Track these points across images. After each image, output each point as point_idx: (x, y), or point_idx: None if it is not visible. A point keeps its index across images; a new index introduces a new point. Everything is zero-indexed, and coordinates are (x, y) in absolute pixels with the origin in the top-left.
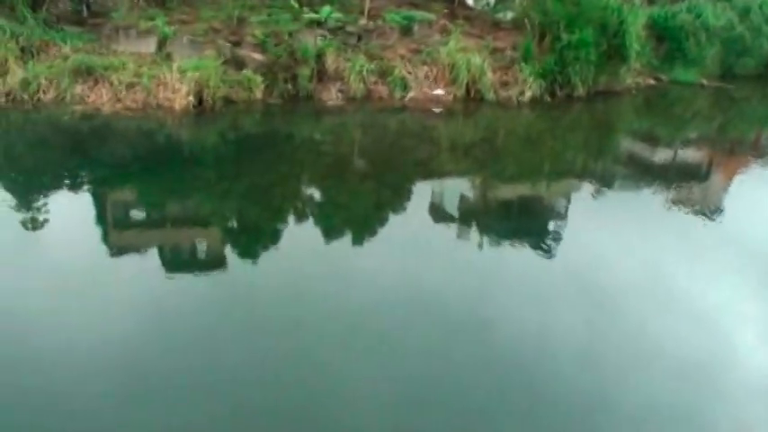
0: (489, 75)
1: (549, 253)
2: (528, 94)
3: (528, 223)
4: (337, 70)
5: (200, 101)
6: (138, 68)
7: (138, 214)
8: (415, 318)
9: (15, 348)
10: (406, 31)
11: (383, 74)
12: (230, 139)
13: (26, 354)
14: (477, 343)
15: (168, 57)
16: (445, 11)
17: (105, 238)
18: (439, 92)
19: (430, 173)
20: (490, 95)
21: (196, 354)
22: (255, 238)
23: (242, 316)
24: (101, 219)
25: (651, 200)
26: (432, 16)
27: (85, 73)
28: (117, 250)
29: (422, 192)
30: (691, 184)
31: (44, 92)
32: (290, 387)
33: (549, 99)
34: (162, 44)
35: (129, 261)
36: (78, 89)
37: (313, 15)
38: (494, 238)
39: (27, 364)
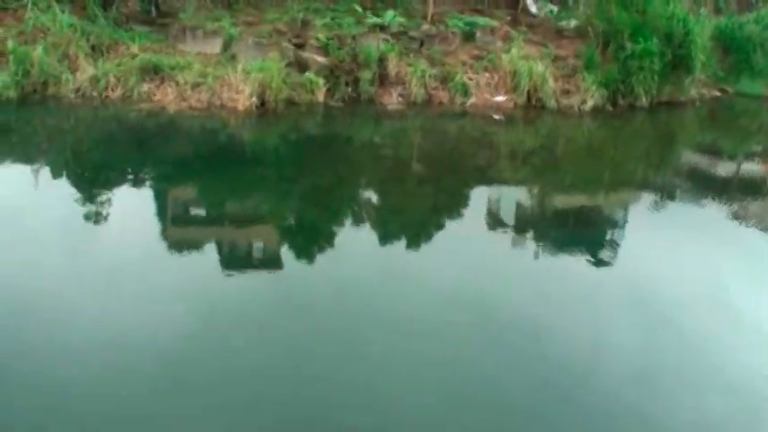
0: (551, 83)
1: (606, 265)
2: (590, 103)
3: (585, 234)
4: (399, 75)
5: (262, 102)
6: (203, 68)
7: (197, 211)
8: (466, 326)
9: (71, 339)
10: (468, 37)
11: (444, 79)
12: (291, 141)
13: (81, 346)
14: (527, 355)
15: (233, 58)
16: (508, 18)
17: (164, 233)
18: (500, 99)
19: (488, 179)
20: (551, 103)
21: (246, 351)
22: (312, 240)
23: (295, 316)
24: (161, 214)
25: (713, 213)
26: (494, 23)
27: (152, 72)
28: (175, 246)
29: (479, 198)
30: (754, 199)
31: (112, 89)
32: (339, 388)
33: (610, 109)
34: (227, 45)
35: (187, 257)
36: (145, 87)
37: (376, 19)
38: (550, 248)
39: (80, 356)
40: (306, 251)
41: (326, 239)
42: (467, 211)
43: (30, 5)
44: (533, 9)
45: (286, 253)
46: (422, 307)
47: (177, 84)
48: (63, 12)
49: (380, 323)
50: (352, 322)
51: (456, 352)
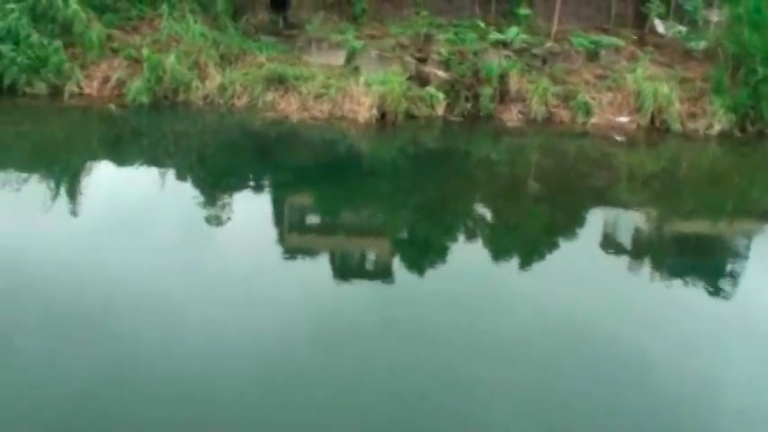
0: (677, 105)
1: (725, 297)
2: (716, 127)
3: (705, 263)
4: (519, 91)
5: (382, 114)
6: (326, 80)
7: (313, 220)
8: (571, 354)
9: (184, 338)
10: (592, 55)
11: (566, 98)
12: (408, 154)
13: (191, 348)
14: (636, 391)
15: (356, 70)
16: (634, 37)
17: (281, 239)
18: (622, 119)
19: (605, 201)
20: (676, 126)
21: (349, 360)
22: (424, 253)
23: (401, 328)
24: (278, 221)
25: None
26: (620, 42)
27: (277, 81)
28: (291, 252)
29: (595, 220)
30: None
31: (238, 97)
32: (433, 408)
33: (738, 134)
34: (351, 57)
35: (301, 264)
36: (270, 96)
37: (499, 36)
38: (666, 275)
39: (189, 358)
40: (417, 264)
41: (438, 254)
42: (582, 233)
43: (165, 15)
44: (661, 29)
45: (397, 265)
46: (528, 330)
47: (300, 94)
48: (196, 22)
49: (484, 343)
50: (455, 340)
51: (558, 383)
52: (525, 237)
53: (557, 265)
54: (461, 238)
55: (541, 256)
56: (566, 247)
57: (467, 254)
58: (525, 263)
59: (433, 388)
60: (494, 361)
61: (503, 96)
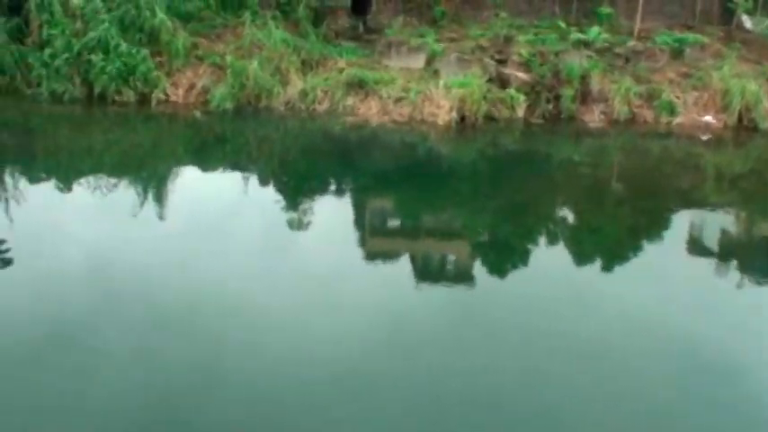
0: (765, 103)
1: None
2: None
3: None
4: (602, 92)
5: (462, 117)
6: (406, 83)
7: (394, 223)
8: (656, 361)
9: (266, 342)
10: (676, 53)
11: (650, 97)
12: (489, 156)
13: (272, 351)
14: (723, 400)
15: (435, 73)
16: (720, 34)
17: (362, 242)
18: (708, 118)
19: (691, 203)
20: (765, 125)
21: (429, 363)
22: (505, 256)
23: (482, 331)
24: (359, 224)
25: None
26: (705, 39)
27: (357, 86)
28: (372, 255)
29: (680, 222)
30: None
31: (319, 102)
32: (522, 404)
33: None
34: (430, 60)
35: (382, 267)
36: (350, 101)
37: (580, 36)
38: (756, 279)
39: (271, 361)
40: (498, 267)
41: (519, 257)
42: (667, 236)
43: (248, 23)
44: (748, 24)
45: (478, 268)
46: (611, 335)
47: (381, 98)
48: (277, 28)
49: (566, 348)
50: (537, 344)
51: (643, 389)
52: (608, 239)
53: (641, 269)
54: (543, 240)
55: (625, 259)
56: (650, 250)
57: (548, 257)
58: (608, 266)
59: (514, 392)
60: (576, 365)
61: (584, 97)
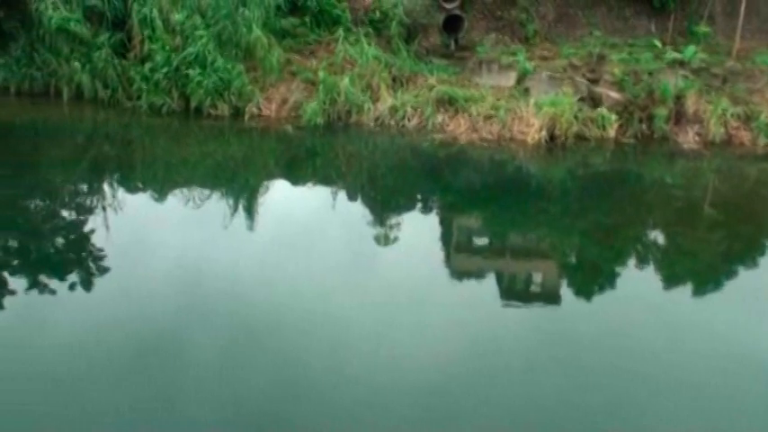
0: None
1: None
2: None
3: None
4: (697, 112)
5: (552, 136)
6: (495, 101)
7: (480, 241)
8: (751, 388)
9: (351, 356)
10: None
11: (747, 119)
12: (578, 176)
13: (358, 364)
14: None
15: (526, 91)
16: None
17: (447, 260)
18: None
19: None
20: None
21: (513, 385)
22: (592, 278)
23: (567, 354)
24: (446, 241)
25: None
26: None
27: (447, 103)
28: (457, 273)
29: None
30: None
31: (408, 119)
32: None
33: None
34: (521, 79)
35: (467, 285)
36: (439, 118)
37: (676, 55)
38: None
39: (352, 378)
40: (585, 290)
41: (607, 279)
42: (763, 263)
43: (341, 39)
44: None
45: (565, 290)
46: (702, 366)
47: (470, 115)
48: (370, 45)
49: (652, 376)
50: (622, 369)
51: (735, 424)
52: (700, 264)
53: (735, 297)
54: (632, 263)
55: (718, 286)
56: (745, 278)
57: (637, 280)
58: (700, 292)
59: (596, 420)
60: (663, 396)
61: (678, 118)
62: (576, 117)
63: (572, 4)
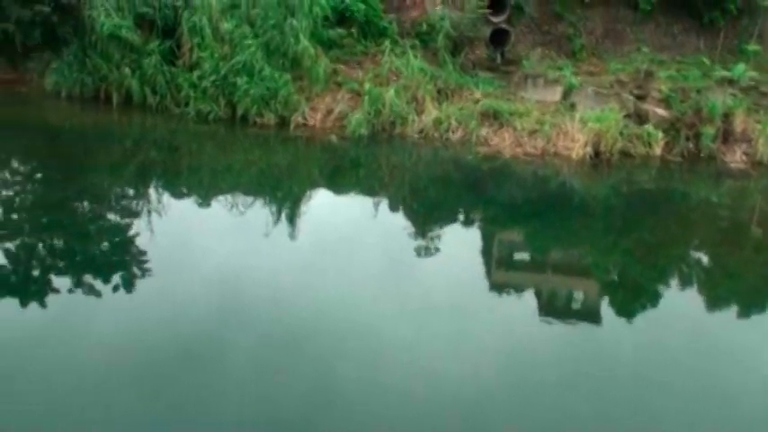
0: None
1: None
2: None
3: None
4: (745, 131)
5: (596, 152)
6: (540, 116)
7: (521, 256)
8: None
9: (386, 369)
10: None
11: None
12: (622, 193)
13: (393, 378)
14: None
15: (572, 107)
16: None
17: (488, 274)
18: None
19: None
20: None
21: (551, 404)
22: (634, 297)
23: (605, 373)
24: (486, 256)
25: None
26: None
27: (492, 117)
28: (497, 288)
29: None
30: None
31: (452, 132)
32: None
33: None
34: (567, 94)
35: (507, 301)
36: (483, 131)
37: (725, 73)
38: None
39: (385, 394)
40: (626, 309)
41: (649, 299)
42: None
43: (387, 51)
44: None
45: (605, 308)
46: (740, 391)
47: (514, 129)
48: (416, 57)
49: (692, 400)
50: (663, 392)
51: None
52: (745, 286)
53: None
54: (675, 283)
55: (763, 309)
56: None
57: (680, 301)
58: (744, 314)
59: None
60: (703, 419)
61: (726, 136)
62: (621, 133)
63: (620, 20)
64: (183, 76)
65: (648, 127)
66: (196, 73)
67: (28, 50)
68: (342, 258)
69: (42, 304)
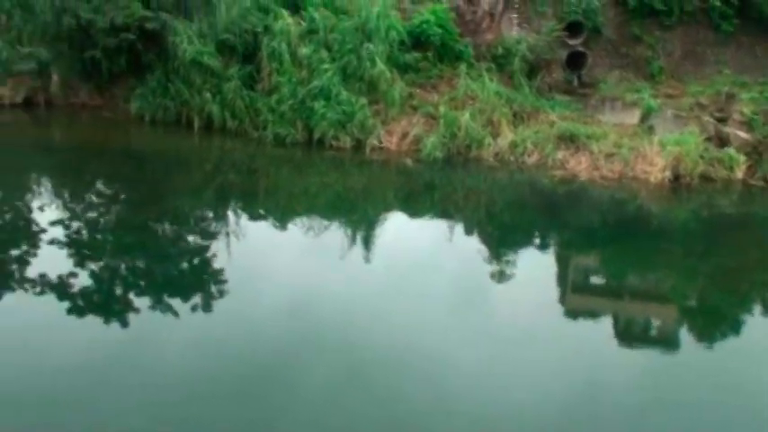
0: None
1: None
2: None
3: None
4: None
5: (676, 176)
6: (618, 139)
7: (597, 280)
8: None
9: (457, 396)
10: None
11: None
12: (702, 217)
13: (463, 406)
14: None
15: (650, 130)
16: None
17: (563, 299)
18: None
19: None
20: None
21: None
22: (714, 324)
23: (684, 404)
24: (562, 280)
25: None
26: None
27: (568, 140)
28: (573, 313)
29: None
30: None
31: (528, 155)
32: None
33: None
34: (645, 117)
35: (582, 326)
36: (560, 155)
37: None
38: None
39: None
40: (707, 336)
41: (731, 327)
42: None
43: (463, 74)
44: None
45: (685, 335)
46: None
47: (591, 153)
48: (491, 80)
49: None
50: (746, 427)
51: None
52: None
53: None
54: (756, 310)
55: None
56: None
57: (761, 329)
58: None
59: None
60: None
61: None
62: (701, 157)
63: (700, 42)
64: (262, 100)
65: (730, 150)
66: (274, 97)
67: (114, 77)
68: (416, 282)
69: (124, 322)
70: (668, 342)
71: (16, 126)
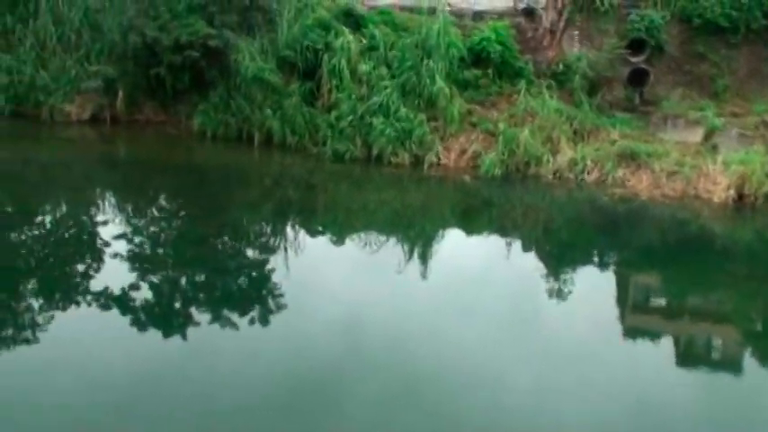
0: None
1: None
2: None
3: None
4: None
5: (740, 195)
6: (680, 157)
7: (658, 300)
8: None
9: (511, 416)
10: None
11: None
12: (767, 238)
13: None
14: None
15: (714, 148)
16: None
17: (622, 318)
18: None
19: None
20: None
21: None
22: None
23: (746, 427)
24: (621, 299)
25: None
26: None
27: (629, 158)
28: (632, 333)
29: None
30: None
31: (588, 172)
32: None
33: None
34: (709, 135)
35: (642, 345)
36: (620, 173)
37: None
38: None
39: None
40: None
41: None
42: None
43: (522, 91)
44: None
45: (747, 357)
46: None
47: (652, 171)
48: (551, 98)
49: None
50: None
51: None
52: None
53: None
54: None
55: None
56: None
57: None
58: None
59: None
60: None
61: None
62: (767, 176)
63: (766, 60)
64: (322, 116)
65: None
66: (334, 113)
67: (177, 94)
68: (472, 299)
69: (183, 334)
70: (729, 365)
71: (83, 142)
